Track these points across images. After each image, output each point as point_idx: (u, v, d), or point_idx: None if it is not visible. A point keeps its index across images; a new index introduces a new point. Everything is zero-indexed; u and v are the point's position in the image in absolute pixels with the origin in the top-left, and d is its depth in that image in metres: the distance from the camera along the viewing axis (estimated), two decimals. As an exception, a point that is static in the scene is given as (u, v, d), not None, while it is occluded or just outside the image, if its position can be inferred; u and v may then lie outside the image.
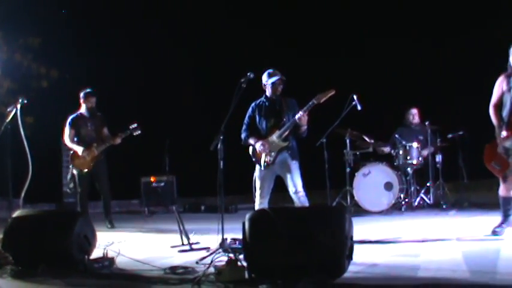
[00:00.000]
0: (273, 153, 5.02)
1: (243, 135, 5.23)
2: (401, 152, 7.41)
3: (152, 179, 8.79)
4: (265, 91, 5.17)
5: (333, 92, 4.79)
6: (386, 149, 7.68)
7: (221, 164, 4.43)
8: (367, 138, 7.49)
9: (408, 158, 7.38)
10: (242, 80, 4.56)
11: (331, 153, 7.46)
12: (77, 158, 6.69)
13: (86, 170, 6.63)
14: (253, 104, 5.24)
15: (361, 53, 9.13)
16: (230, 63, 9.05)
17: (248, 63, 5.19)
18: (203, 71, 9.71)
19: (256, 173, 5.14)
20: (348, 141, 7.54)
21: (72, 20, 9.34)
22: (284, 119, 5.02)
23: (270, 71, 5.10)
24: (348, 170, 7.48)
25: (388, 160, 7.58)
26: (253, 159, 5.17)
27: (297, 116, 4.86)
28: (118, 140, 6.68)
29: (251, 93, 4.90)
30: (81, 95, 6.78)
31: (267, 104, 5.15)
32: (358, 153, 7.64)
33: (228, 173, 4.53)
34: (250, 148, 5.21)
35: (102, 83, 9.34)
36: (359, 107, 6.41)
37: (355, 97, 6.43)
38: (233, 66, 7.34)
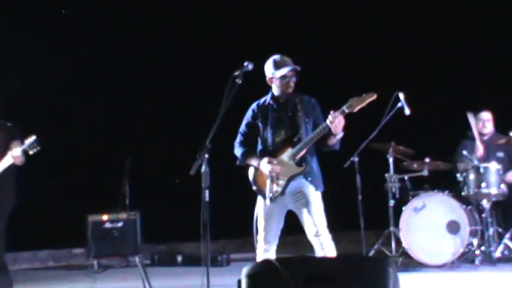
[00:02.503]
0: (281, 181, 5.04)
1: (238, 152, 5.27)
2: (471, 177, 7.35)
3: (105, 218, 8.81)
4: (270, 87, 5.21)
5: (374, 97, 4.83)
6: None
7: (206, 194, 4.48)
8: (427, 160, 7.55)
9: (483, 185, 7.28)
10: (236, 73, 4.60)
11: (367, 178, 7.52)
12: None
13: None
14: (254, 106, 5.28)
15: (409, 38, 9.20)
16: (220, 49, 9.17)
17: (247, 49, 5.30)
18: (179, 61, 9.81)
19: (259, 208, 5.16)
20: (391, 160, 7.59)
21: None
22: (301, 131, 5.06)
23: (277, 58, 5.12)
24: (391, 202, 7.51)
25: (452, 188, 7.59)
26: (254, 188, 5.20)
27: (328, 119, 4.85)
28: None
29: (251, 91, 4.99)
30: None
31: (274, 106, 5.19)
32: (406, 177, 7.67)
33: (217, 208, 4.58)
34: (250, 172, 5.24)
35: (32, 83, 9.42)
36: (407, 111, 6.47)
37: (401, 96, 6.49)
38: (225, 53, 7.44)
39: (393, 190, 7.53)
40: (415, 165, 7.67)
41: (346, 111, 4.82)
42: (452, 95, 8.79)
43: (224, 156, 5.27)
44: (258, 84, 5.19)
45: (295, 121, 5.09)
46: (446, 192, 7.41)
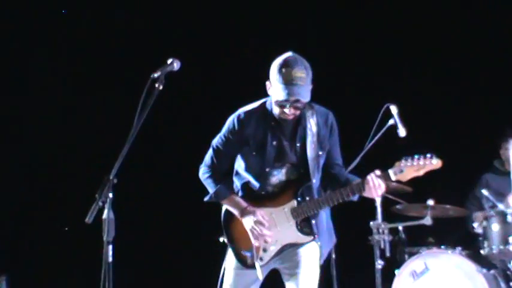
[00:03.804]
0: (272, 247, 5.11)
1: (210, 184, 5.28)
2: (495, 228, 7.43)
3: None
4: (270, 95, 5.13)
5: (438, 166, 5.08)
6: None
7: (109, 251, 4.47)
8: (430, 202, 7.62)
9: (512, 239, 7.45)
10: (155, 75, 4.56)
11: (344, 228, 7.55)
12: None
13: None
14: (241, 115, 5.21)
15: (409, 34, 9.40)
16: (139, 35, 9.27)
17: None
18: (75, 57, 9.85)
19: (229, 267, 5.26)
20: (378, 202, 7.65)
21: None
22: (313, 178, 5.08)
23: (289, 62, 4.98)
24: (379, 263, 7.59)
25: (468, 244, 7.70)
26: (224, 240, 5.30)
27: (369, 183, 4.94)
28: None
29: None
30: None
31: (276, 127, 5.13)
32: (401, 228, 7.79)
33: (129, 271, 4.59)
34: (223, 211, 5.32)
35: None
36: (402, 131, 6.52)
37: (393, 110, 6.54)
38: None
39: (382, 245, 7.58)
40: (413, 210, 7.80)
41: (394, 178, 5.00)
42: (468, 107, 8.93)
43: (141, 195, 5.28)
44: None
45: (304, 157, 5.11)
46: (459, 249, 7.52)
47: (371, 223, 7.65)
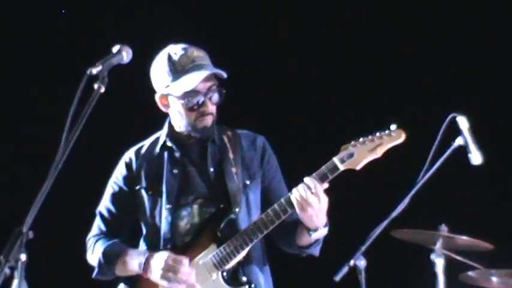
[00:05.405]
0: None
1: (96, 253, 5.41)
2: None
3: None
4: (166, 116, 5.37)
5: (399, 140, 5.13)
6: None
7: None
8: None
9: None
10: (94, 70, 4.57)
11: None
12: None
13: None
14: (131, 155, 5.47)
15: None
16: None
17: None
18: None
19: None
20: (440, 265, 7.71)
21: None
22: (235, 208, 5.20)
23: (177, 51, 5.24)
24: None
25: None
26: None
27: (294, 194, 5.01)
28: None
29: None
30: None
31: (176, 153, 5.35)
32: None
33: None
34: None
35: None
36: (476, 157, 6.50)
37: (462, 124, 6.54)
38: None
39: None
40: (494, 279, 7.82)
41: (342, 167, 5.06)
42: None
43: (69, 255, 5.31)
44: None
45: (222, 186, 5.26)
46: None
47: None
